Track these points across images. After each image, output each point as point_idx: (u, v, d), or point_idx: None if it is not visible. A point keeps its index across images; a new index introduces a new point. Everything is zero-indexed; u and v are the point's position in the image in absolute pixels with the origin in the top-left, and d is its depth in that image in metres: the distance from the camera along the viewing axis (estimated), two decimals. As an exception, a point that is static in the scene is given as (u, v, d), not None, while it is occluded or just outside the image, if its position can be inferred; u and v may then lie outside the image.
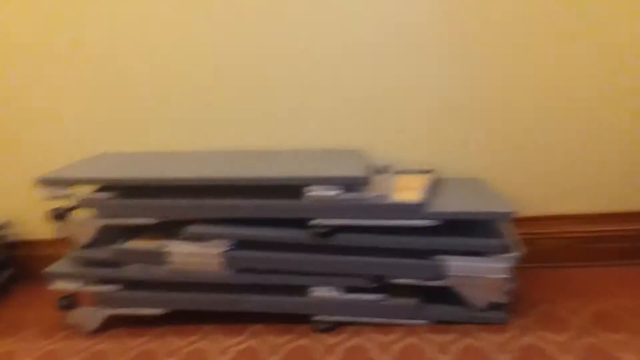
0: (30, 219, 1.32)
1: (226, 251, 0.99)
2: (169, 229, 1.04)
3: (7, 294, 1.31)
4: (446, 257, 0.96)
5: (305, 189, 0.94)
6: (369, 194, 0.94)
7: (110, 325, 1.09)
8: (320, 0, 1.11)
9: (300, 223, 0.97)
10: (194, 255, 1.00)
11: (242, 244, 1.00)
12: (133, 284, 1.05)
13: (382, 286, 1.00)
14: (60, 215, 1.04)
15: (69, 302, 1.07)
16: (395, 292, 1.01)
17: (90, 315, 1.08)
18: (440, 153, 1.19)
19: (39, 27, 1.18)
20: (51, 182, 1.02)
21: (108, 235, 1.07)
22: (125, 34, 1.17)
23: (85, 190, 1.03)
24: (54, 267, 1.07)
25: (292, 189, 0.96)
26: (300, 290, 1.02)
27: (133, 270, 1.03)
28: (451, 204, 0.97)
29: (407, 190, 1.00)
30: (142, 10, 1.15)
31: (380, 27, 1.12)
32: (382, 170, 1.10)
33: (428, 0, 1.09)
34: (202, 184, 0.97)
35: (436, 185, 1.08)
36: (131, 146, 1.25)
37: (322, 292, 1.01)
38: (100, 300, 1.07)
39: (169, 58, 1.18)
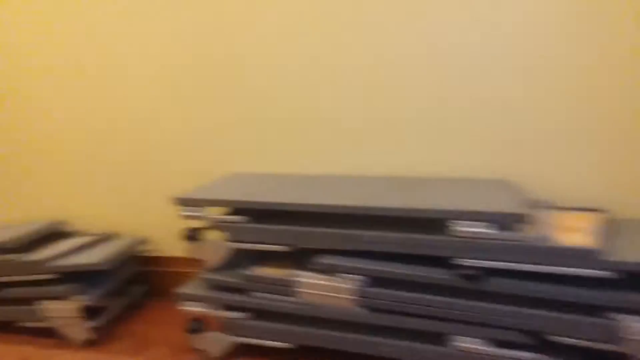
0: (165, 236, 1.35)
1: (359, 287, 0.91)
2: (300, 257, 0.99)
3: (140, 309, 1.34)
4: (624, 316, 0.79)
5: (452, 223, 0.83)
6: (529, 234, 0.81)
7: (236, 353, 1.06)
8: (466, 16, 1.01)
9: (443, 262, 0.86)
10: (325, 288, 0.93)
11: (378, 280, 0.91)
12: (260, 313, 1.01)
13: (540, 344, 0.85)
14: (193, 236, 1.03)
15: (198, 325, 1.05)
16: (555, 352, 0.86)
17: (216, 341, 1.05)
18: (612, 188, 1.01)
19: (170, 49, 1.21)
20: (185, 202, 1.02)
21: (238, 259, 1.04)
22: (256, 53, 1.16)
23: (217, 212, 1.01)
24: (185, 289, 1.06)
25: (435, 222, 0.86)
26: (441, 338, 0.90)
27: (261, 299, 0.99)
28: (632, 252, 0.80)
29: (573, 232, 0.85)
30: (274, 30, 1.13)
31: (536, 40, 0.99)
32: (538, 205, 0.96)
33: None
34: (337, 212, 0.90)
35: (609, 228, 0.91)
36: (262, 167, 1.22)
37: (466, 343, 0.88)
38: (227, 327, 1.04)
39: (306, 80, 1.14)
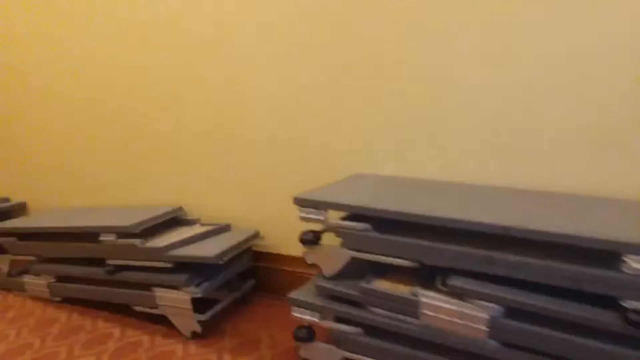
0: (280, 233, 1.31)
1: (495, 317, 0.79)
2: (423, 274, 0.89)
3: (248, 304, 1.31)
4: None
5: (627, 258, 0.69)
6: None
7: (344, 369, 0.99)
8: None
9: (604, 300, 0.72)
10: (453, 313, 0.83)
11: (517, 312, 0.79)
12: (376, 331, 0.93)
13: None
14: (309, 240, 0.97)
15: (307, 334, 0.99)
16: None
17: (324, 353, 0.98)
18: None
19: (305, 48, 1.16)
20: (305, 203, 0.97)
21: (356, 269, 0.97)
22: (392, 49, 1.07)
23: (338, 216, 0.95)
24: (296, 294, 1.00)
25: (598, 253, 0.72)
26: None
27: (378, 315, 0.91)
28: None
29: None
30: (414, 29, 1.04)
31: None
32: None
33: None
34: (474, 229, 0.79)
35: None
36: (390, 169, 1.14)
37: (626, 401, 0.73)
38: (337, 340, 0.97)
39: (447, 81, 1.04)
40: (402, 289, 0.89)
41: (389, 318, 0.90)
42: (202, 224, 1.36)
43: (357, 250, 0.92)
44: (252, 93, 1.26)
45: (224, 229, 1.32)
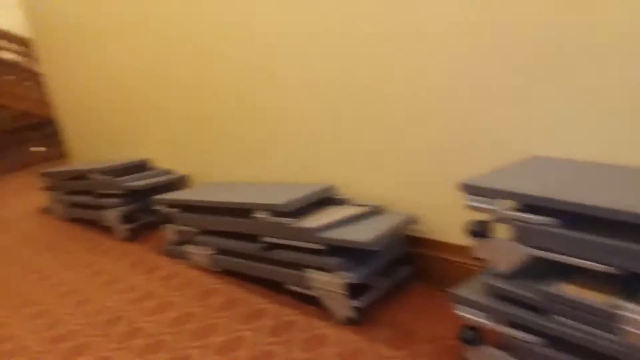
0: (439, 218, 1.19)
1: None
2: (623, 282, 0.73)
3: (404, 293, 1.23)
4: None
5: None
6: None
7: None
8: None
9: None
10: (669, 335, 0.67)
11: None
12: (560, 342, 0.79)
13: None
14: (479, 231, 0.86)
15: (472, 336, 0.89)
16: None
17: None
18: None
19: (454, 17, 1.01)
20: (473, 190, 0.85)
21: (535, 269, 0.83)
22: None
23: (513, 206, 0.82)
24: (461, 290, 0.90)
25: None
26: None
27: (563, 325, 0.77)
28: None
29: None
30: None
31: None
32: None
33: None
34: None
35: None
36: (573, 152, 0.96)
37: None
38: (511, 348, 0.85)
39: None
40: (596, 297, 0.75)
41: (577, 330, 0.76)
42: (353, 204, 1.30)
43: (540, 249, 0.79)
44: (416, 67, 1.15)
45: (377, 210, 1.25)
